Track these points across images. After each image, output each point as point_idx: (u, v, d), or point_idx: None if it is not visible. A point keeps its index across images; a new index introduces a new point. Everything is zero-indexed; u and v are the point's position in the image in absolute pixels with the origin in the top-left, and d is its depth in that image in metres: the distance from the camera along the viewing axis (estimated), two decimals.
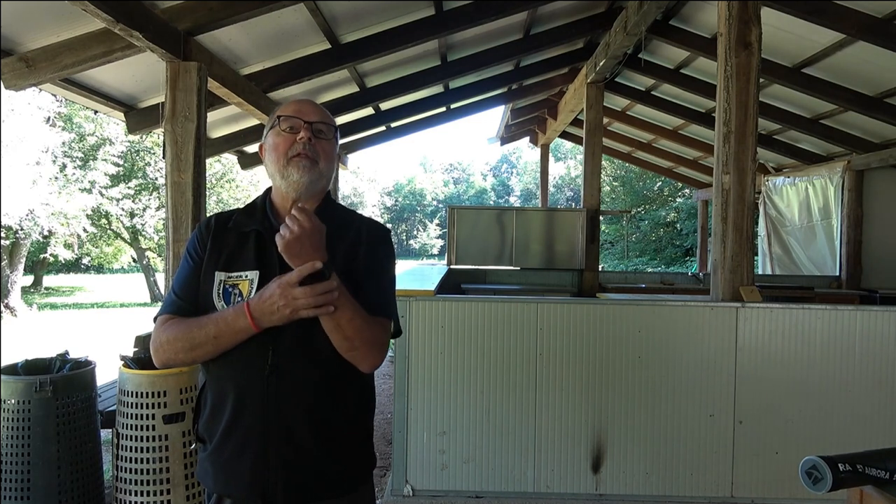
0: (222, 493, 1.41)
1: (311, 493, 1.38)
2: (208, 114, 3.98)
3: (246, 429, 1.35)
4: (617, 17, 5.95)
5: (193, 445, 1.46)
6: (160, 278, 16.59)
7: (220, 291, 1.38)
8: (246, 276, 1.38)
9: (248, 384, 1.35)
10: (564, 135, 12.25)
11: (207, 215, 3.94)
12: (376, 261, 1.45)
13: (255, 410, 1.35)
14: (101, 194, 14.94)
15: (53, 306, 15.76)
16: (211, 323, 1.32)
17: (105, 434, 3.26)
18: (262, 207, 1.46)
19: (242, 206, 1.54)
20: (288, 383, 1.34)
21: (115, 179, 15.60)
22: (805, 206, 8.64)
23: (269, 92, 5.11)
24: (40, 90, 5.90)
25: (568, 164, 42.43)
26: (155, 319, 1.43)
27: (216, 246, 1.42)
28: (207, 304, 1.38)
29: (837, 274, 7.78)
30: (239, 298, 1.36)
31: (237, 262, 1.40)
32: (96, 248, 18.29)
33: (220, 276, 1.39)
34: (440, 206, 50.02)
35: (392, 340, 1.49)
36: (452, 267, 7.42)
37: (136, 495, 2.80)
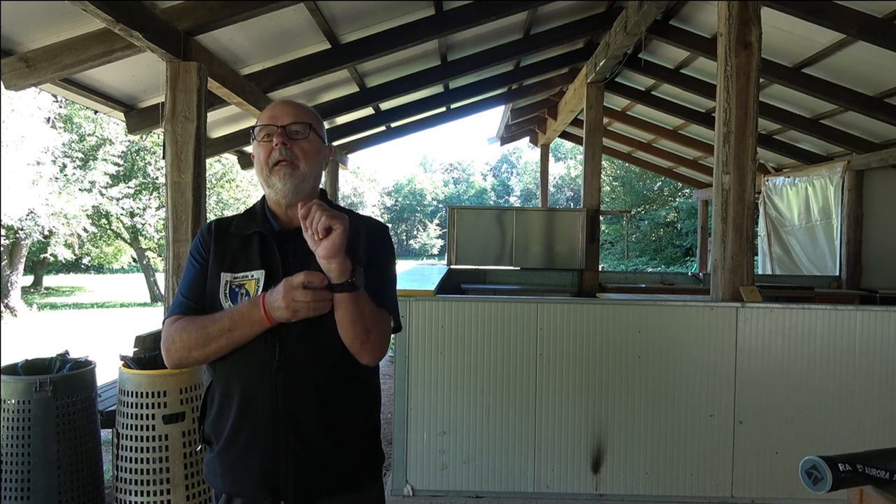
0: (232, 492, 1.41)
1: (322, 489, 1.39)
2: (208, 114, 3.98)
3: (254, 426, 1.36)
4: (617, 17, 5.95)
5: (200, 447, 1.47)
6: (160, 278, 16.56)
7: (227, 292, 1.40)
8: (252, 276, 1.40)
9: (255, 381, 1.36)
10: (564, 135, 12.24)
11: (208, 215, 3.97)
12: (375, 257, 1.46)
13: (263, 407, 1.36)
14: (101, 194, 14.94)
15: (53, 306, 15.76)
16: (225, 316, 1.34)
17: (105, 434, 3.26)
18: (262, 212, 1.49)
19: (240, 211, 1.57)
20: (295, 379, 1.36)
21: (115, 179, 15.61)
22: (805, 206, 8.63)
23: (269, 92, 5.11)
24: (40, 90, 5.90)
25: (568, 164, 42.42)
26: (163, 322, 1.44)
27: (219, 249, 1.45)
28: (214, 304, 1.40)
29: (837, 274, 7.78)
30: (246, 298, 1.38)
31: (242, 263, 1.43)
32: (96, 248, 18.28)
33: (225, 276, 1.42)
34: (440, 206, 49.98)
35: (392, 340, 1.51)
36: (452, 267, 7.42)
37: (136, 495, 2.79)
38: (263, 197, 1.51)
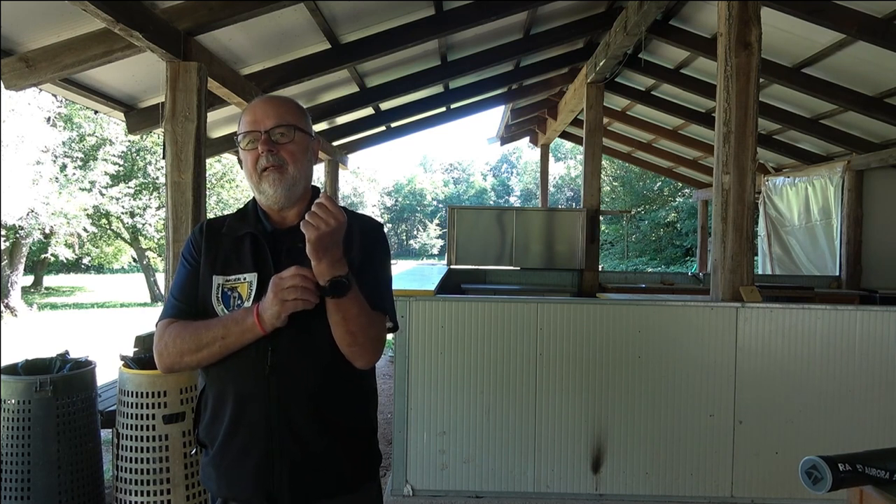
0: (228, 497, 1.40)
1: (318, 491, 1.39)
2: (208, 114, 3.98)
3: (249, 430, 1.35)
4: (617, 17, 5.95)
5: (195, 450, 1.46)
6: (160, 278, 16.58)
7: (219, 295, 1.38)
8: (244, 279, 1.38)
9: (248, 385, 1.35)
10: (564, 135, 12.24)
11: (208, 215, 3.97)
12: (370, 256, 1.45)
13: (257, 411, 1.35)
14: (102, 194, 14.94)
15: (53, 306, 15.76)
16: (219, 324, 1.32)
17: (105, 434, 3.26)
18: (254, 212, 1.46)
19: (233, 211, 1.54)
20: (289, 382, 1.35)
21: (116, 179, 15.61)
22: (805, 206, 8.64)
23: (270, 92, 5.11)
24: (40, 90, 5.90)
25: (568, 164, 42.41)
26: (156, 325, 1.43)
27: (211, 250, 1.43)
28: (207, 307, 1.38)
29: (837, 274, 7.78)
30: (238, 301, 1.37)
31: (234, 266, 1.41)
32: (96, 248, 18.29)
33: (217, 279, 1.40)
34: (440, 206, 49.98)
35: (392, 340, 1.50)
36: (452, 267, 7.42)
37: (136, 495, 2.80)
38: (255, 197, 1.49)
